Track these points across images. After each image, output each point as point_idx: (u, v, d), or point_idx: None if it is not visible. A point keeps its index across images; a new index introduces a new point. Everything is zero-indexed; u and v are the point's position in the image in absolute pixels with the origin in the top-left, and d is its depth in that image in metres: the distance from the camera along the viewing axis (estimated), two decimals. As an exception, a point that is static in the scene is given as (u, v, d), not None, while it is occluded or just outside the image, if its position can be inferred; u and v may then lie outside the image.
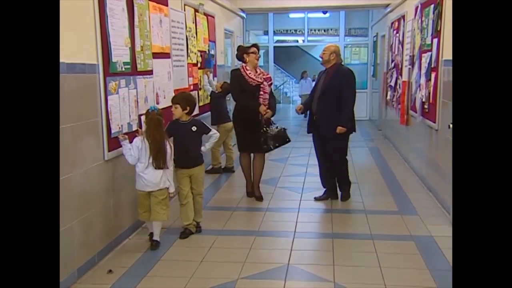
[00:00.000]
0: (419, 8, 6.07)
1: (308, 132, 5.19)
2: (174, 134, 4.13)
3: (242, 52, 5.24)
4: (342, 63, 5.16)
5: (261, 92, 5.08)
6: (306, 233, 4.28)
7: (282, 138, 5.15)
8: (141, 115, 4.13)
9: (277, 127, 5.13)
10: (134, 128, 4.10)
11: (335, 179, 5.23)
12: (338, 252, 3.77)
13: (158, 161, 3.79)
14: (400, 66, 7.62)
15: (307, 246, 4.02)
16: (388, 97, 8.68)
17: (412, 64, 6.50)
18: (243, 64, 5.16)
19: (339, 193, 5.26)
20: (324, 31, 13.83)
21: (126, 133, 3.92)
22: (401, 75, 7.49)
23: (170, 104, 4.26)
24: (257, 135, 5.06)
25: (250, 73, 5.05)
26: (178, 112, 4.13)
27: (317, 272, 3.45)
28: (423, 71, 5.64)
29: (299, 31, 14.05)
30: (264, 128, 5.06)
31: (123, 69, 3.94)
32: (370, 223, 4.46)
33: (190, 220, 4.19)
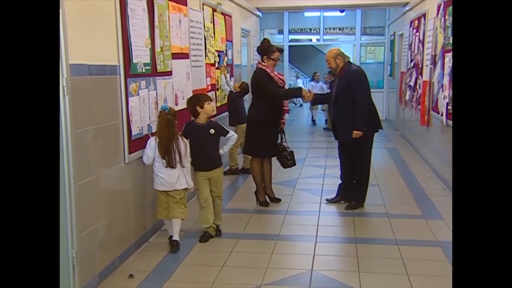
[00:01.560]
0: (442, 7, 5.93)
1: (336, 139, 5.03)
2: (191, 136, 4.05)
3: (265, 50, 4.92)
4: (351, 60, 4.98)
5: None
6: (328, 238, 4.19)
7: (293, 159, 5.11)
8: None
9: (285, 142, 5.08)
10: (154, 130, 4.04)
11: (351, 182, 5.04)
12: (363, 258, 3.68)
13: (169, 160, 3.75)
14: (420, 66, 7.47)
15: (330, 251, 3.92)
16: (407, 97, 8.52)
17: (434, 63, 6.35)
18: (264, 64, 4.90)
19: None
20: (340, 29, 13.69)
21: (146, 135, 3.88)
22: (421, 74, 7.35)
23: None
24: (275, 141, 5.01)
25: (277, 74, 4.90)
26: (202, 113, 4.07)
27: (342, 278, 3.36)
28: (447, 71, 5.51)
29: (314, 30, 13.92)
30: (284, 144, 5.01)
31: (144, 70, 3.89)
32: (394, 227, 4.34)
33: (210, 223, 4.13)
